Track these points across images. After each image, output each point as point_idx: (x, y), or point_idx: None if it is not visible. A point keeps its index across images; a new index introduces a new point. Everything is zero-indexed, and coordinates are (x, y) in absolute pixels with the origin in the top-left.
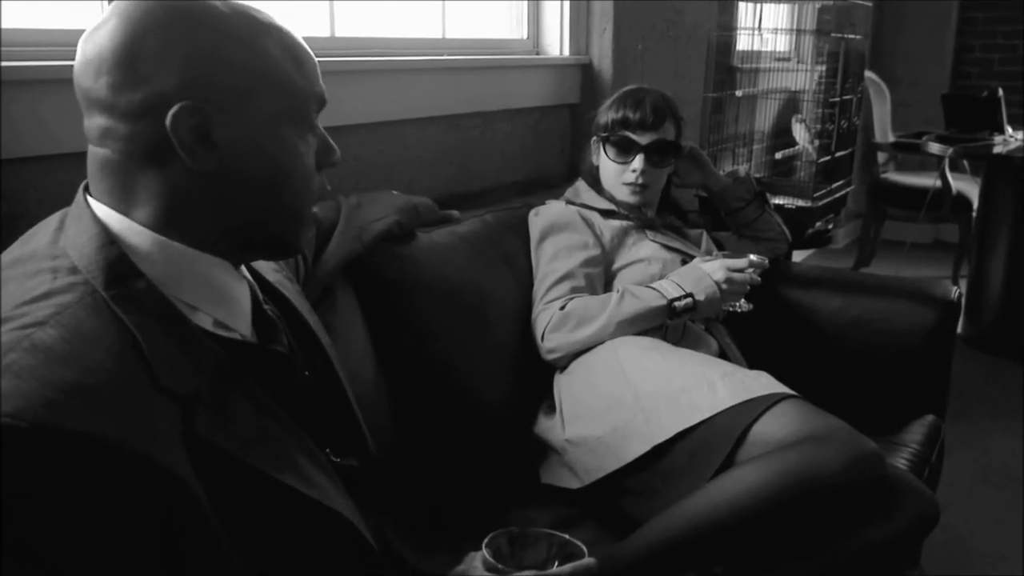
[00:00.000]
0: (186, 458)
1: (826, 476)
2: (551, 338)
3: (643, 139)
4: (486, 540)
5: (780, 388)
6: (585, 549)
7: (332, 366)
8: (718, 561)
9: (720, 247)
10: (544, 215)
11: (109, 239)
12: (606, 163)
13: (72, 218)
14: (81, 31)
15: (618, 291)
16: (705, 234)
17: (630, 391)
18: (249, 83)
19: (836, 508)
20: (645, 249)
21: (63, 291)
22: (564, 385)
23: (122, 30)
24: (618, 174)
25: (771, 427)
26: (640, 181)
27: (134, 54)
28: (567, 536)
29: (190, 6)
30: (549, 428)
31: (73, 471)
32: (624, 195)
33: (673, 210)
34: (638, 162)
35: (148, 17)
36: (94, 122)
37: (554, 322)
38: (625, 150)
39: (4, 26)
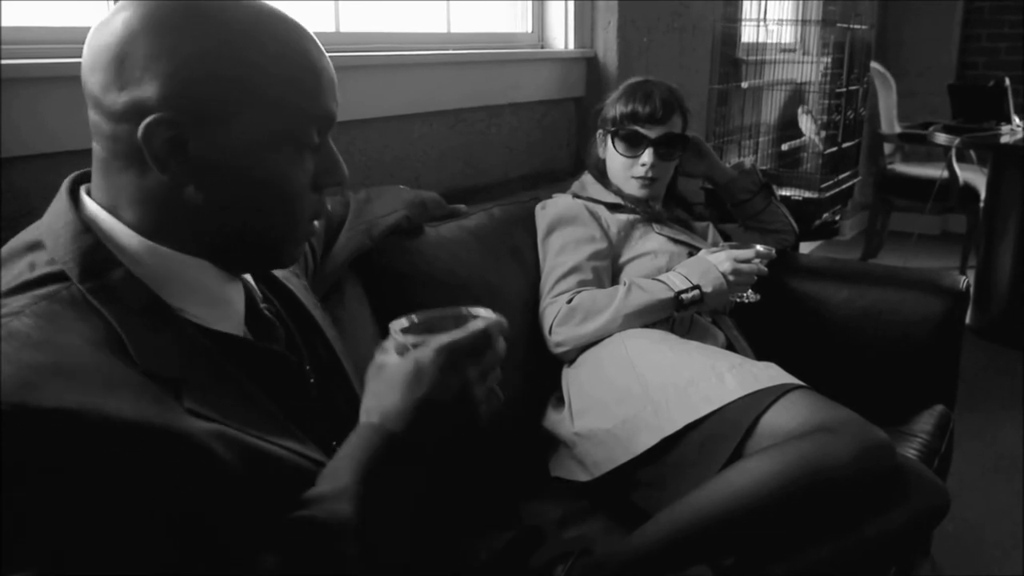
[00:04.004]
0: (185, 420)
1: (836, 467)
2: (558, 331)
3: (652, 132)
4: (392, 325)
5: (789, 379)
6: (493, 313)
7: (338, 361)
8: (728, 552)
9: (726, 238)
10: (551, 209)
11: (84, 227)
12: (614, 157)
13: (51, 206)
14: (81, 28)
15: (625, 284)
16: (711, 226)
17: (639, 383)
18: (236, 100)
19: (846, 498)
20: (652, 242)
21: (39, 283)
22: (572, 378)
23: (118, 29)
24: (627, 168)
25: (781, 418)
26: (650, 175)
27: (123, 55)
28: (474, 310)
29: (192, 11)
30: (558, 422)
31: (58, 447)
32: (633, 189)
33: (679, 203)
34: (647, 156)
35: (143, 20)
36: (90, 116)
37: (561, 315)
38: (634, 144)
39: (4, 24)
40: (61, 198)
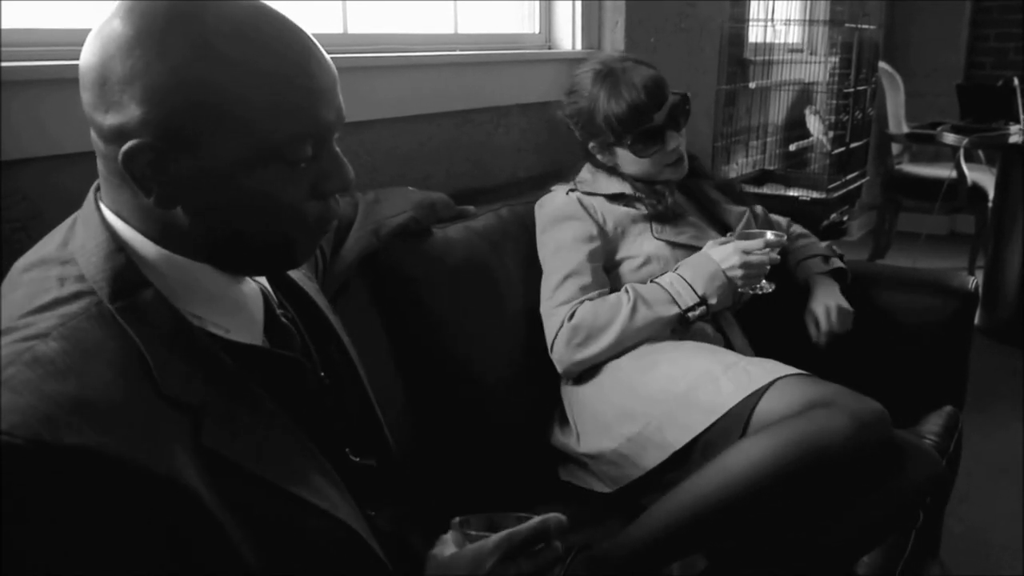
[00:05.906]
0: (195, 466)
1: (834, 442)
2: (560, 352)
3: (660, 116)
4: (453, 521)
5: (784, 370)
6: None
7: (353, 365)
8: (728, 536)
9: (769, 226)
10: (547, 207)
11: (117, 246)
12: (638, 160)
13: (82, 222)
14: (81, 30)
15: (627, 293)
16: (749, 213)
17: (639, 400)
18: (213, 124)
19: (844, 473)
20: (647, 246)
21: (68, 300)
22: (573, 397)
23: (100, 49)
24: (657, 162)
25: (774, 404)
26: (681, 154)
27: (104, 77)
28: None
29: (170, 28)
30: (565, 443)
31: (71, 486)
32: (669, 175)
33: (717, 183)
34: (672, 140)
35: (120, 39)
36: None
37: (563, 336)
38: (654, 139)
39: (4, 26)
40: (91, 213)
